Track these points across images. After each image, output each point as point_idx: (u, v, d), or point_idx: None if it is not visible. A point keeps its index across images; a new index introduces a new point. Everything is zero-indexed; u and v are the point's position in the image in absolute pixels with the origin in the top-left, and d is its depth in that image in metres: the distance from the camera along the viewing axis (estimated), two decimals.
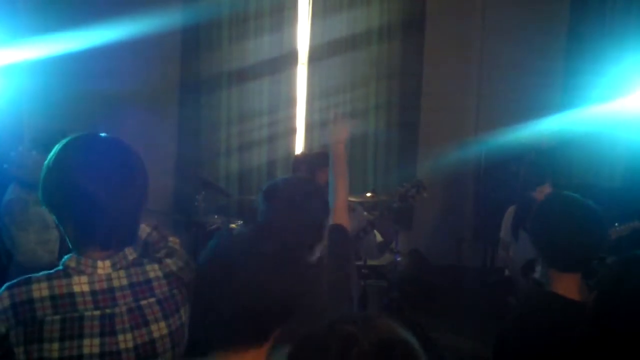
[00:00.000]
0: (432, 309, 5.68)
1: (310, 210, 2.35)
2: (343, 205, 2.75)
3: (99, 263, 1.74)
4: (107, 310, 1.71)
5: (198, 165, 6.29)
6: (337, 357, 1.18)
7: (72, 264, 1.72)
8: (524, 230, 4.00)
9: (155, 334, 1.76)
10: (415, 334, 1.26)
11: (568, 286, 2.25)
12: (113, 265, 1.75)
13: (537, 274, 3.86)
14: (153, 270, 1.83)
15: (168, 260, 1.89)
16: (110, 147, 1.81)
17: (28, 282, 1.68)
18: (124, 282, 1.76)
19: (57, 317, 1.64)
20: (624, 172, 6.38)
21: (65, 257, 1.76)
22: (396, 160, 6.72)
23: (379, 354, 1.17)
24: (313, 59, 6.50)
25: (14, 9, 5.54)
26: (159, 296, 1.80)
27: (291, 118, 6.51)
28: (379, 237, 4.43)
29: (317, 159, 4.33)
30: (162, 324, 1.78)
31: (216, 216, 5.54)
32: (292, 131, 6.53)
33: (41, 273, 1.71)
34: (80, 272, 1.72)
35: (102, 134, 1.83)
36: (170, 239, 2.07)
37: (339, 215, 2.68)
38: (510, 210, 4.36)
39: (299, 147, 6.57)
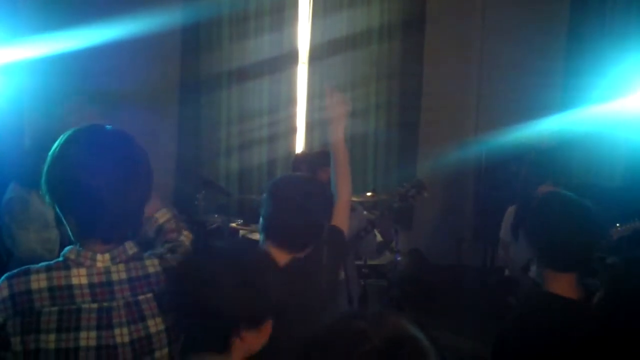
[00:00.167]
0: (432, 308, 5.68)
1: (312, 209, 2.35)
2: (344, 206, 2.71)
3: (98, 256, 1.73)
4: (105, 304, 1.70)
5: (198, 165, 6.30)
6: (347, 353, 1.19)
7: (72, 256, 1.72)
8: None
9: (152, 329, 1.76)
10: None
11: (564, 286, 2.25)
12: (112, 259, 1.75)
13: (532, 273, 3.86)
14: (152, 266, 1.82)
15: (169, 256, 1.89)
16: (115, 140, 1.79)
17: (27, 272, 1.68)
18: (123, 276, 1.75)
19: (55, 308, 1.65)
20: (624, 171, 6.38)
21: (66, 248, 1.75)
22: (396, 160, 6.72)
23: (389, 350, 1.18)
24: (313, 58, 6.51)
25: (14, 7, 5.53)
26: (157, 291, 1.79)
27: (291, 117, 6.52)
28: (379, 237, 4.44)
29: (317, 158, 4.33)
30: (159, 320, 1.77)
31: (216, 215, 5.54)
32: (292, 130, 6.54)
33: (41, 264, 1.71)
34: (79, 265, 1.71)
35: (107, 127, 1.81)
36: (185, 232, 2.08)
37: (339, 217, 2.65)
38: (510, 210, 4.36)
39: (299, 147, 6.57)
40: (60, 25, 5.24)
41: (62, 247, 1.90)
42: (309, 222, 2.36)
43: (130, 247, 1.80)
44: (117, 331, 1.70)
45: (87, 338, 1.66)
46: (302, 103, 6.60)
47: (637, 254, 2.02)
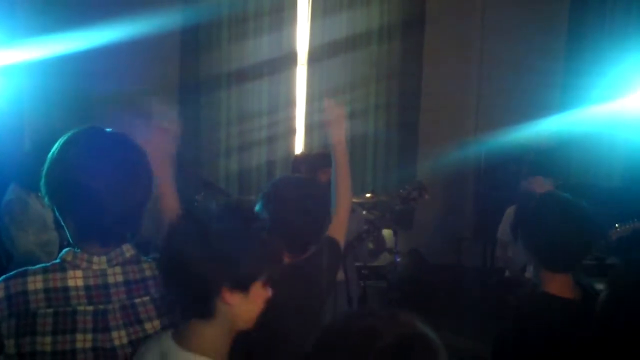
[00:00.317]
0: (432, 309, 5.68)
1: (312, 210, 2.35)
2: (343, 217, 2.66)
3: (95, 258, 1.73)
4: (100, 306, 1.70)
5: (198, 166, 6.29)
6: (360, 350, 1.19)
7: (69, 258, 1.72)
8: None
9: (149, 332, 1.75)
10: None
11: (561, 286, 2.25)
12: (109, 262, 1.74)
13: (528, 273, 3.86)
14: (150, 269, 1.81)
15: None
16: (114, 143, 1.78)
17: (24, 274, 1.68)
18: (119, 278, 1.75)
19: (50, 310, 1.64)
20: (622, 172, 6.39)
21: (63, 251, 1.75)
22: (396, 161, 6.72)
23: (401, 347, 1.19)
24: (313, 59, 6.50)
25: (12, 9, 5.53)
26: (153, 295, 1.78)
27: (291, 118, 6.51)
28: (370, 245, 4.46)
29: (317, 159, 4.32)
30: (156, 323, 1.77)
31: None
32: (291, 132, 6.54)
33: (38, 266, 1.71)
34: (76, 267, 1.71)
35: (107, 129, 1.81)
36: None
37: (337, 228, 2.60)
38: (510, 210, 4.35)
39: (298, 148, 6.57)
40: (60, 26, 5.24)
41: (61, 249, 1.90)
42: (310, 223, 2.36)
43: (128, 250, 1.79)
44: (114, 334, 1.70)
45: (84, 340, 1.66)
46: (301, 104, 6.59)
47: (638, 255, 2.02)
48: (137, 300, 1.76)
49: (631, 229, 4.18)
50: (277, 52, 6.37)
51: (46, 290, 1.66)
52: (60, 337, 1.64)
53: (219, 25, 6.29)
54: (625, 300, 1.98)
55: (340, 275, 3.90)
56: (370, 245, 4.58)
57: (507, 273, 4.52)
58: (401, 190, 4.17)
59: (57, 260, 1.73)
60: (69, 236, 1.77)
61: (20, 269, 1.70)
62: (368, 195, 5.32)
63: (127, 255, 1.78)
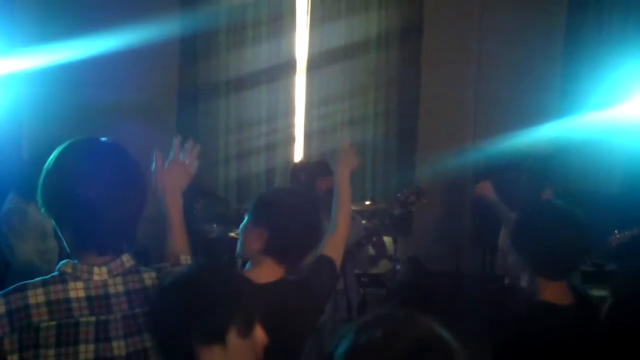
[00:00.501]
0: (431, 315, 5.66)
1: (306, 221, 2.34)
2: (340, 238, 2.61)
3: (95, 269, 1.73)
4: (102, 317, 1.70)
5: (196, 174, 6.27)
6: (380, 352, 1.20)
7: (68, 270, 1.72)
8: None
9: (149, 343, 1.76)
10: None
11: (557, 293, 2.26)
12: (109, 272, 1.75)
13: (522, 281, 3.85)
14: (150, 278, 1.82)
15: (170, 269, 1.89)
16: (110, 153, 1.80)
17: (23, 288, 1.67)
18: (120, 289, 1.76)
19: (53, 322, 1.64)
20: (622, 178, 6.38)
21: (61, 262, 1.75)
22: (395, 168, 6.72)
23: (420, 349, 1.20)
24: (311, 67, 6.51)
25: (12, 18, 5.54)
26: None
27: (290, 126, 6.51)
28: (371, 251, 4.45)
29: (316, 167, 4.32)
30: None
31: (215, 225, 5.52)
32: (290, 139, 6.54)
33: (36, 279, 1.70)
34: (76, 278, 1.71)
35: (102, 139, 1.83)
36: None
37: (334, 246, 2.57)
38: (514, 216, 4.35)
39: (297, 156, 6.57)
40: (58, 35, 5.25)
41: (60, 258, 1.90)
42: (308, 232, 2.36)
43: (127, 260, 1.80)
44: (114, 344, 1.70)
45: (86, 351, 1.66)
46: (300, 112, 6.59)
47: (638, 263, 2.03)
48: (138, 311, 1.77)
49: (630, 236, 4.17)
50: (276, 59, 6.38)
51: (48, 303, 1.65)
52: (64, 349, 1.64)
53: (218, 33, 6.29)
54: (628, 308, 1.99)
55: (340, 283, 3.90)
56: (371, 251, 4.56)
57: (506, 280, 4.52)
58: (399, 195, 4.17)
59: (56, 273, 1.73)
60: (66, 246, 1.77)
61: (17, 284, 1.69)
62: (367, 202, 5.31)
63: (127, 265, 1.79)
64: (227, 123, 6.41)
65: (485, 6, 6.77)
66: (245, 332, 1.64)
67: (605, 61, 6.19)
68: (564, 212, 2.30)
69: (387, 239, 4.94)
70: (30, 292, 1.66)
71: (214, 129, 6.37)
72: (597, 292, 4.05)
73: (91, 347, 1.67)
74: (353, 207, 4.62)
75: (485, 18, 6.78)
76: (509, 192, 4.57)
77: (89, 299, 1.70)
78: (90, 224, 1.71)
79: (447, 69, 6.68)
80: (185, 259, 2.09)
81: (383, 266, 5.35)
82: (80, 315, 1.68)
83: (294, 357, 2.32)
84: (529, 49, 6.40)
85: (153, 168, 2.19)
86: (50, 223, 3.56)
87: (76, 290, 1.70)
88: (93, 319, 1.69)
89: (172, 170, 2.24)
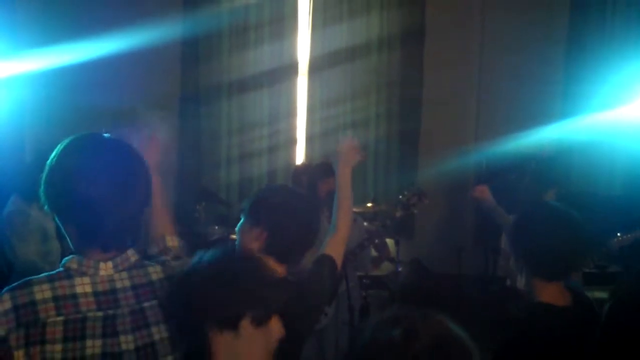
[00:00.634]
0: None
1: (304, 218, 2.34)
2: (342, 238, 2.60)
3: (101, 264, 1.74)
4: (110, 312, 1.71)
5: (198, 176, 6.29)
6: (398, 350, 1.20)
7: (74, 266, 1.72)
8: None
9: (156, 337, 1.76)
10: None
11: (554, 294, 2.26)
12: (115, 267, 1.76)
13: (519, 283, 3.85)
14: (155, 272, 1.83)
15: (173, 263, 1.90)
16: (113, 148, 1.79)
17: (29, 284, 1.67)
18: (127, 283, 1.76)
19: (60, 318, 1.64)
20: (623, 180, 6.38)
21: (65, 258, 1.75)
22: (397, 170, 6.72)
23: (438, 348, 1.20)
24: (313, 69, 6.51)
25: (14, 21, 5.56)
26: (161, 299, 1.79)
27: (291, 129, 6.52)
28: (373, 252, 4.45)
29: (318, 170, 4.33)
30: (163, 327, 1.78)
31: (217, 227, 5.53)
32: (292, 142, 6.54)
33: (41, 275, 1.70)
34: (82, 274, 1.72)
35: (105, 135, 1.82)
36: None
37: (335, 245, 2.56)
38: (512, 219, 4.34)
39: (299, 158, 6.58)
40: (60, 38, 5.27)
41: (63, 259, 1.90)
42: (306, 229, 2.36)
43: (132, 255, 1.80)
44: (122, 338, 1.71)
45: (93, 346, 1.67)
46: (302, 114, 6.60)
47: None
48: (146, 305, 1.77)
49: (633, 238, 4.17)
50: (278, 62, 6.39)
51: (55, 299, 1.66)
52: (71, 344, 1.64)
53: (220, 35, 6.31)
54: (629, 309, 1.98)
55: (342, 286, 3.89)
56: (373, 253, 4.56)
57: (508, 282, 4.52)
58: (400, 197, 4.17)
59: (61, 269, 1.73)
60: (70, 243, 1.77)
61: (23, 280, 1.69)
62: (369, 204, 5.31)
63: (132, 260, 1.80)
64: (229, 125, 6.42)
65: (487, 9, 6.77)
66: (260, 321, 1.64)
67: (607, 63, 6.20)
68: (560, 213, 2.30)
69: (389, 241, 4.94)
70: (36, 288, 1.66)
71: (216, 131, 6.38)
72: (600, 294, 4.05)
73: (98, 342, 1.67)
74: (355, 209, 4.64)
75: (487, 20, 6.78)
76: (511, 194, 4.57)
77: (96, 294, 1.71)
78: (94, 221, 1.70)
79: (449, 71, 6.68)
80: (171, 239, 2.08)
81: (385, 268, 5.36)
82: (88, 310, 1.68)
83: (294, 357, 2.32)
84: (530, 51, 6.39)
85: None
86: (52, 225, 3.58)
87: (83, 286, 1.70)
88: (100, 314, 1.69)
89: (145, 147, 2.12)
